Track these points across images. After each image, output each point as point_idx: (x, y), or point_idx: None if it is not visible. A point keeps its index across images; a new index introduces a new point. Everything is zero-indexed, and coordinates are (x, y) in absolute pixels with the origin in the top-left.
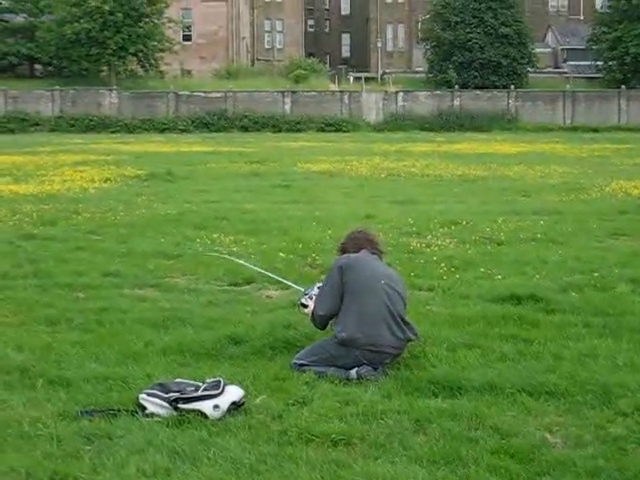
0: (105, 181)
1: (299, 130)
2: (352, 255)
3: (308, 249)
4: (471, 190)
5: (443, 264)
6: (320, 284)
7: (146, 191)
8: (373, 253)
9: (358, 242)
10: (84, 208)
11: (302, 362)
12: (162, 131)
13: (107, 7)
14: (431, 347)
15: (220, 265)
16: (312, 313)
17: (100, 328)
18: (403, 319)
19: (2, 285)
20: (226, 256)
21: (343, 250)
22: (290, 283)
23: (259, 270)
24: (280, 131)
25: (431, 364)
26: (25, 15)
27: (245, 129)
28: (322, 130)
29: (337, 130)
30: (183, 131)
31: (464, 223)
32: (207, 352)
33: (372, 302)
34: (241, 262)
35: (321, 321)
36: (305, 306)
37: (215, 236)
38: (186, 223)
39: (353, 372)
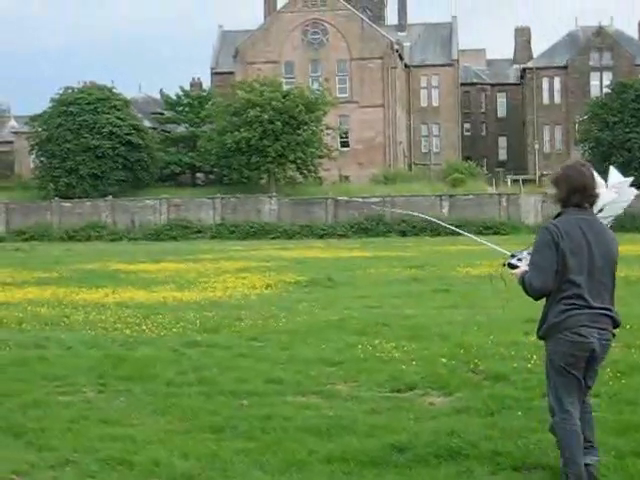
0: (266, 287)
1: (457, 234)
2: (561, 226)
3: (470, 354)
4: (635, 292)
5: (608, 369)
6: (528, 250)
7: (307, 297)
8: (584, 207)
9: (571, 186)
10: (246, 315)
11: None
12: (321, 237)
13: (266, 116)
14: (599, 455)
15: (382, 371)
16: (522, 277)
17: (264, 436)
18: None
19: (167, 392)
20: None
21: (556, 184)
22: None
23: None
24: (438, 235)
25: (600, 473)
26: (187, 125)
27: (403, 233)
28: (480, 233)
29: (495, 233)
30: (342, 236)
31: (628, 327)
32: (371, 460)
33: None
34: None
35: (534, 292)
36: (513, 267)
37: (376, 342)
38: (347, 329)
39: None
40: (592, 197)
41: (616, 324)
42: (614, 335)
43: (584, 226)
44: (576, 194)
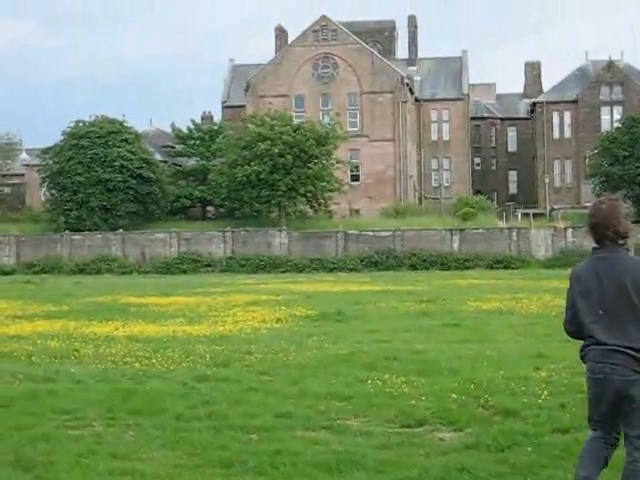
0: (276, 321)
1: (468, 268)
2: (578, 270)
3: (480, 390)
4: None
5: None
6: None
7: (317, 331)
8: (604, 243)
9: (588, 223)
10: (256, 349)
11: None
12: (331, 270)
13: (277, 150)
14: None
15: (392, 407)
16: None
17: (274, 471)
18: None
19: (177, 427)
20: None
21: None
22: None
23: None
24: (449, 269)
25: None
26: (198, 159)
27: (414, 267)
28: (491, 267)
29: (506, 267)
30: (352, 270)
31: None
32: None
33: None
34: None
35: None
36: None
37: (386, 377)
38: (357, 364)
39: None
40: (609, 236)
41: (637, 359)
42: (635, 371)
43: (598, 265)
44: (591, 231)
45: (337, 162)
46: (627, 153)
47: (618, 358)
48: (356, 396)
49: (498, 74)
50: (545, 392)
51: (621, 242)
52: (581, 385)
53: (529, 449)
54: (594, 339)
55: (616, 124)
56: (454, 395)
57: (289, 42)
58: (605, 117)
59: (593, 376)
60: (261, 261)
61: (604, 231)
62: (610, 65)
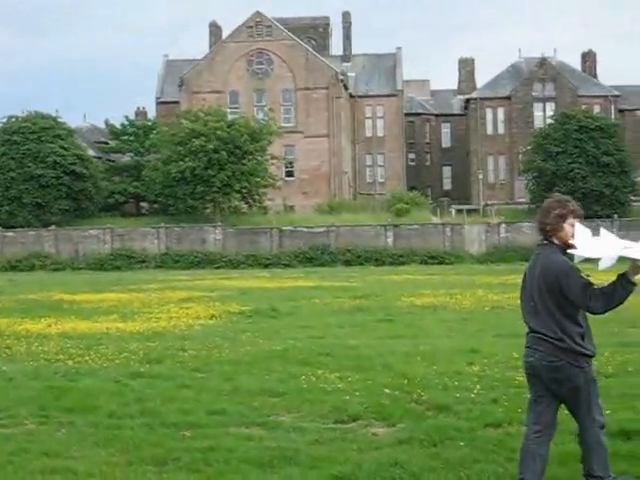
0: (210, 318)
1: (402, 263)
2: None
3: (413, 385)
4: None
5: None
6: None
7: (250, 327)
8: (543, 238)
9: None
10: (190, 345)
11: None
12: (266, 266)
13: (211, 146)
14: None
15: (325, 402)
16: None
17: (207, 468)
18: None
19: (110, 424)
20: None
21: None
22: None
23: None
24: (383, 264)
25: None
26: (131, 154)
27: (348, 263)
28: (425, 263)
29: (440, 263)
30: (287, 266)
31: None
32: None
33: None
34: None
35: None
36: None
37: (320, 372)
38: (291, 359)
39: None
40: (540, 232)
41: (558, 347)
42: (558, 358)
43: (535, 259)
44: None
45: (272, 158)
46: (560, 149)
47: (542, 345)
48: (290, 392)
49: (432, 71)
50: (478, 387)
51: (551, 239)
52: (513, 380)
53: (462, 444)
54: (529, 326)
55: (549, 120)
56: (387, 390)
57: (223, 38)
58: (538, 113)
59: (524, 359)
60: (195, 257)
61: (537, 227)
62: (543, 62)
